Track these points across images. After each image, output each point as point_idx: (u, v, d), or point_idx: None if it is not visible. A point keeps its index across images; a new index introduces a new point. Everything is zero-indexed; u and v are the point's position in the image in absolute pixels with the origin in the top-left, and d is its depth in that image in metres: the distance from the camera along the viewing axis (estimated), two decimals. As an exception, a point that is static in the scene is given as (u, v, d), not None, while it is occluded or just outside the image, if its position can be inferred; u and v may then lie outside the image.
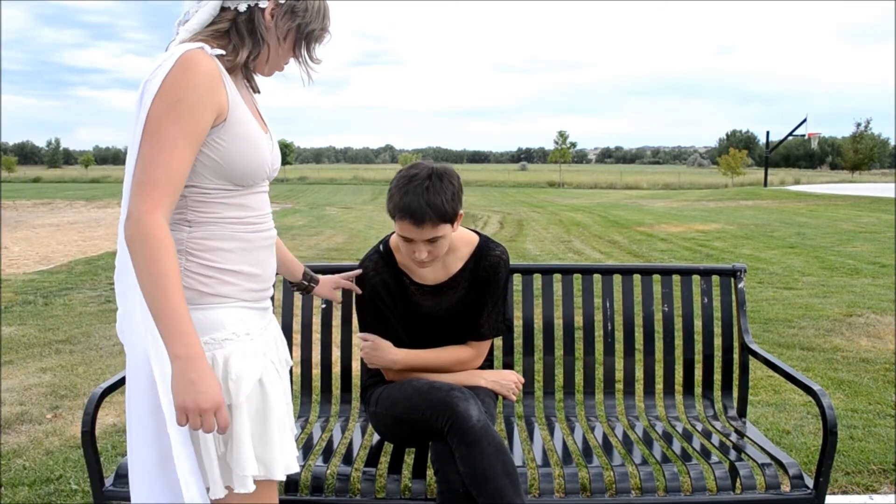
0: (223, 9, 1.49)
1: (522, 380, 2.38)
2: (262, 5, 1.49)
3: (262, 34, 1.51)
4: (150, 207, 1.35)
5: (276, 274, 1.73)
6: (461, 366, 2.26)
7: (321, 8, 1.56)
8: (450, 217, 2.00)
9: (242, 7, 1.48)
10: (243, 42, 1.50)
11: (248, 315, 1.56)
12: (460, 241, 2.23)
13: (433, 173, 1.98)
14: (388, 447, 2.34)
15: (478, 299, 2.25)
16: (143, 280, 1.34)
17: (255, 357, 1.51)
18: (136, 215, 1.35)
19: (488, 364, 2.42)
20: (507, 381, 2.31)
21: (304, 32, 1.55)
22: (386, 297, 2.20)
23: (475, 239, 2.26)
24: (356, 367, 2.63)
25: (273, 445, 1.53)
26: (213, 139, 1.46)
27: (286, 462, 1.57)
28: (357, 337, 2.26)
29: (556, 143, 62.49)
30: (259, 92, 1.65)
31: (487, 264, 2.22)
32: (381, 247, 2.26)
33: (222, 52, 1.46)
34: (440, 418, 1.94)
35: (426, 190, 1.95)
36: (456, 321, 2.26)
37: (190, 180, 1.46)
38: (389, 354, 2.18)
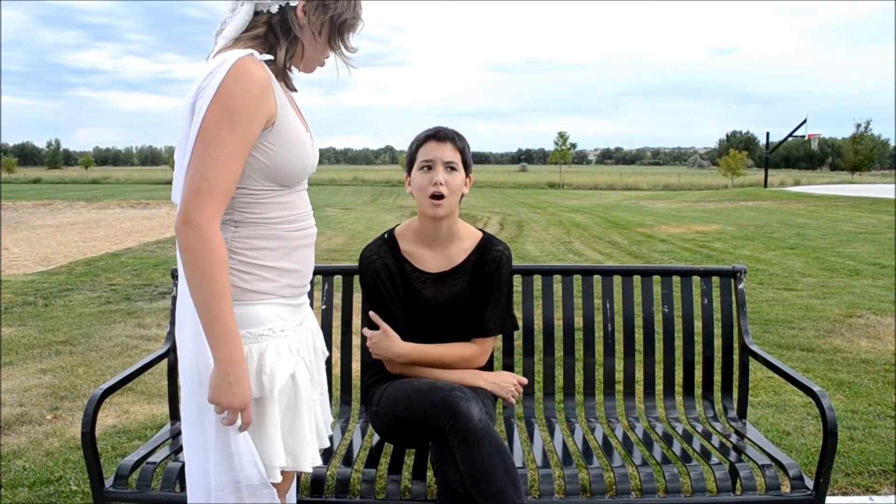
0: (256, 13, 1.52)
1: (524, 381, 2.37)
2: (293, 4, 1.51)
3: (296, 32, 1.54)
4: (210, 217, 1.39)
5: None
6: (465, 363, 2.27)
7: None
8: (465, 158, 2.19)
9: (275, 8, 1.51)
10: (279, 43, 1.53)
11: (285, 311, 1.59)
12: (465, 233, 2.29)
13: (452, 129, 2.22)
14: (388, 448, 2.34)
15: (479, 294, 2.26)
16: (197, 288, 1.40)
17: (288, 353, 1.55)
18: (197, 224, 1.38)
19: (489, 366, 2.42)
20: (506, 383, 2.30)
21: (338, 23, 1.56)
22: (387, 281, 2.22)
23: (479, 234, 2.32)
24: (356, 368, 2.63)
25: (303, 437, 1.57)
26: (263, 143, 1.49)
27: (313, 454, 1.61)
28: (364, 331, 2.26)
29: (556, 143, 62.48)
30: (296, 90, 1.66)
31: (490, 258, 2.26)
32: (385, 234, 2.31)
33: (271, 56, 1.49)
34: (441, 418, 1.94)
35: (443, 127, 2.20)
36: (456, 314, 2.26)
37: (238, 182, 1.48)
38: (396, 346, 2.19)
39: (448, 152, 2.15)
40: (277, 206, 1.55)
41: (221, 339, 1.40)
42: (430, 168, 2.15)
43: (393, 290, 2.23)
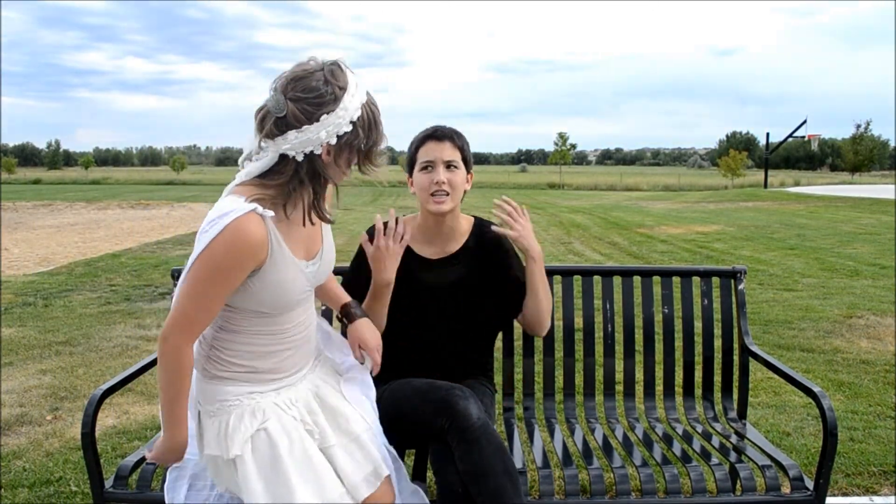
0: (282, 156, 1.56)
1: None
2: (317, 152, 1.55)
3: (324, 174, 1.60)
4: (185, 341, 1.57)
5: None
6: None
7: (370, 120, 1.60)
8: (465, 155, 2.20)
9: (300, 157, 1.55)
10: (304, 185, 1.59)
11: (258, 387, 1.71)
12: (461, 220, 2.32)
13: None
14: (388, 449, 2.34)
15: (487, 279, 2.28)
16: (163, 386, 1.61)
17: (252, 416, 1.66)
18: (172, 344, 1.56)
19: (488, 367, 2.41)
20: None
21: (365, 151, 1.62)
22: None
23: (471, 219, 2.36)
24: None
25: (291, 489, 1.62)
26: (247, 281, 1.59)
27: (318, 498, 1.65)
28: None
29: (556, 144, 62.54)
30: (331, 222, 1.74)
31: (489, 239, 2.29)
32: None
33: (271, 213, 1.55)
34: (440, 417, 1.94)
35: (442, 126, 2.21)
36: (458, 299, 2.26)
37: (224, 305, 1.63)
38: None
39: (447, 151, 2.16)
40: (263, 325, 1.67)
41: (171, 425, 1.64)
42: (430, 168, 2.16)
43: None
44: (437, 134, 2.18)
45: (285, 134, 1.53)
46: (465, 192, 2.24)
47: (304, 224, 1.64)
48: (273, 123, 1.53)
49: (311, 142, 1.53)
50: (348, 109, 1.54)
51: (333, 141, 1.54)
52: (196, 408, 1.72)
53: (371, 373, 1.94)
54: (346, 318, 1.98)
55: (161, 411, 1.66)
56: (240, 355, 1.67)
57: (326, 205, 1.69)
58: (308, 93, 1.52)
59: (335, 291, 2.03)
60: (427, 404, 1.99)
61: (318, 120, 1.52)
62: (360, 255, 2.26)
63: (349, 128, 1.55)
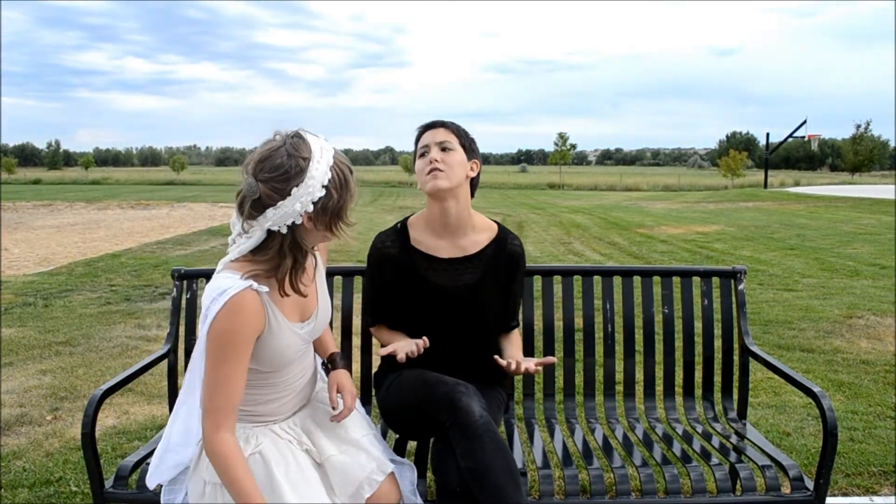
0: (269, 231, 1.65)
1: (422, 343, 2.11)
2: (298, 222, 1.64)
3: (304, 244, 1.69)
4: (215, 429, 1.62)
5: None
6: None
7: (340, 179, 1.67)
8: (463, 137, 2.21)
9: (284, 230, 1.65)
10: (284, 257, 1.68)
11: (257, 425, 1.82)
12: (482, 225, 2.31)
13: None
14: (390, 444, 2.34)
15: (495, 288, 2.28)
16: (225, 483, 1.64)
17: (246, 442, 1.76)
18: (207, 437, 1.64)
19: (487, 368, 2.41)
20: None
21: (337, 210, 1.68)
22: (388, 266, 2.26)
23: (495, 227, 2.34)
24: (356, 369, 2.63)
25: (285, 498, 1.70)
26: None
27: None
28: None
29: (556, 144, 62.51)
30: (305, 296, 1.78)
31: (508, 253, 2.30)
32: (398, 224, 2.33)
33: (266, 288, 1.66)
34: (443, 412, 1.93)
35: (442, 119, 2.25)
36: (464, 304, 2.25)
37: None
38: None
39: (440, 134, 2.20)
40: (255, 379, 1.76)
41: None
42: (426, 153, 2.21)
43: (394, 277, 2.25)
44: (432, 123, 2.24)
45: (264, 213, 1.63)
46: (468, 177, 2.23)
47: (280, 295, 1.71)
48: (250, 206, 1.63)
49: (288, 215, 1.62)
50: (315, 177, 1.62)
51: (311, 208, 1.63)
52: (198, 445, 1.79)
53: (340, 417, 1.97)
54: (330, 364, 2.06)
55: (235, 498, 1.69)
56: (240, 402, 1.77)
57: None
58: (274, 171, 1.61)
59: (325, 340, 2.10)
60: (431, 398, 1.99)
61: (289, 194, 1.61)
62: (367, 277, 2.34)
63: (322, 192, 1.63)
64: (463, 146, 2.21)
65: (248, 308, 1.61)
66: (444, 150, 2.18)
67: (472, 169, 2.23)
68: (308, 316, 1.84)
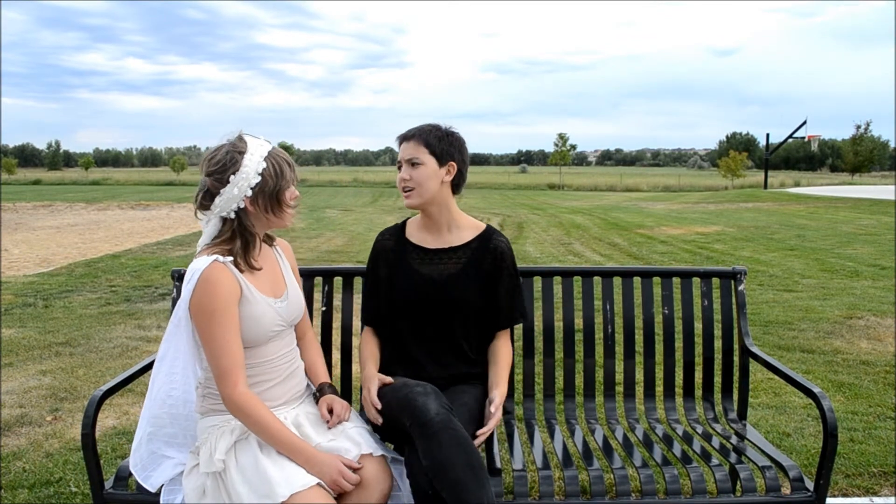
0: (223, 219, 1.92)
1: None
2: (241, 206, 1.90)
3: (251, 229, 1.93)
4: (232, 387, 1.83)
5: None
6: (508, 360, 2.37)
7: (275, 168, 1.91)
8: (434, 149, 2.24)
9: (232, 215, 1.91)
10: (235, 238, 1.92)
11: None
12: (466, 223, 2.39)
13: (437, 124, 2.31)
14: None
15: (480, 279, 2.32)
16: (257, 433, 1.85)
17: (232, 432, 1.89)
18: (227, 397, 1.84)
19: (486, 370, 2.41)
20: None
21: (275, 194, 1.92)
22: (384, 258, 2.38)
23: (483, 226, 2.42)
24: (356, 369, 2.63)
25: (268, 477, 1.80)
26: None
27: (283, 487, 1.78)
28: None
29: (556, 145, 62.44)
30: (259, 269, 1.97)
31: (492, 247, 2.35)
32: (402, 221, 2.48)
33: (231, 258, 1.89)
34: (404, 415, 1.95)
35: (421, 125, 2.31)
36: (450, 295, 2.28)
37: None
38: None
39: (409, 150, 2.26)
40: (246, 357, 1.90)
41: (294, 453, 1.85)
42: (400, 167, 2.29)
43: (388, 270, 2.36)
44: (404, 134, 2.30)
45: (213, 201, 1.89)
46: (443, 182, 2.27)
47: (240, 270, 1.91)
48: (202, 198, 1.91)
49: (231, 200, 1.88)
50: (249, 166, 1.88)
51: (249, 193, 1.88)
52: (194, 446, 1.94)
53: (333, 423, 2.05)
54: (319, 392, 2.15)
55: (281, 450, 1.85)
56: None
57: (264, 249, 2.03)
58: (215, 165, 1.89)
59: (318, 369, 2.23)
60: (395, 403, 2.02)
61: (228, 182, 1.87)
62: (371, 260, 2.42)
63: (258, 178, 1.88)
64: (434, 154, 2.25)
65: (219, 277, 1.83)
66: (413, 165, 2.25)
67: (447, 173, 2.27)
68: (280, 294, 2.02)
